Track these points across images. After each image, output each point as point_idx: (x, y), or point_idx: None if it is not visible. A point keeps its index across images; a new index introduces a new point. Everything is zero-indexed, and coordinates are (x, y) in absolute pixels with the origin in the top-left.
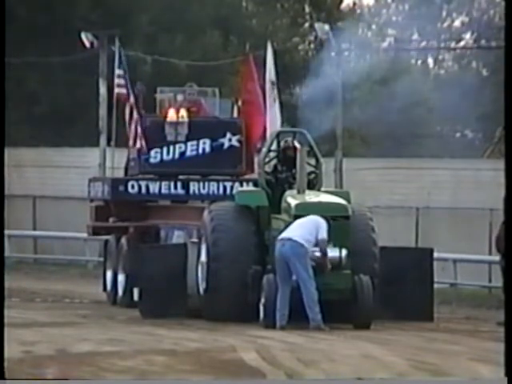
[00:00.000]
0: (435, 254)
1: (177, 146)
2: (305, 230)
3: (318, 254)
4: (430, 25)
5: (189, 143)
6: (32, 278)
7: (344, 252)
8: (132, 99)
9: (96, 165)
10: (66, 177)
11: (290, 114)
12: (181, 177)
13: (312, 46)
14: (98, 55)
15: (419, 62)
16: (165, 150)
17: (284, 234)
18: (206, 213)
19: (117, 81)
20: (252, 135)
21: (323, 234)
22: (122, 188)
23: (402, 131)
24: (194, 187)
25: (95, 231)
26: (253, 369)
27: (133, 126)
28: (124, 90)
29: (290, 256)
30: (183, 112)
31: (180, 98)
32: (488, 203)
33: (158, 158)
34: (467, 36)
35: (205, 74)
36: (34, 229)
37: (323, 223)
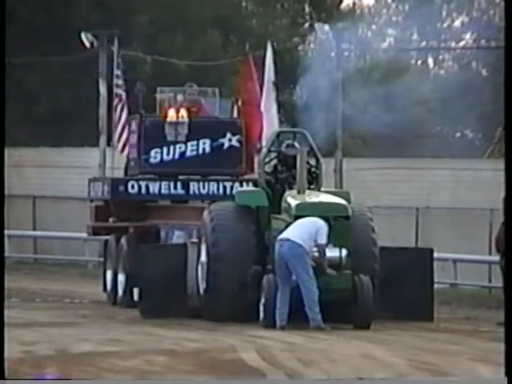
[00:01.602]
0: (435, 254)
1: (177, 146)
2: (304, 231)
3: (316, 254)
4: (430, 25)
5: (189, 143)
6: (32, 277)
7: (344, 252)
8: (125, 102)
9: (96, 165)
10: (66, 177)
11: (289, 114)
12: (181, 177)
13: (312, 45)
14: (97, 55)
15: (419, 62)
16: (165, 150)
17: (283, 235)
18: (205, 213)
19: (116, 81)
20: (252, 135)
21: (323, 239)
22: (122, 188)
23: (402, 131)
24: (193, 187)
25: (95, 231)
26: (253, 369)
27: (126, 129)
28: (121, 91)
29: (289, 257)
30: (183, 112)
31: (180, 98)
32: (488, 203)
33: (158, 158)
34: (467, 36)
35: (205, 74)
36: (34, 229)
37: (323, 226)
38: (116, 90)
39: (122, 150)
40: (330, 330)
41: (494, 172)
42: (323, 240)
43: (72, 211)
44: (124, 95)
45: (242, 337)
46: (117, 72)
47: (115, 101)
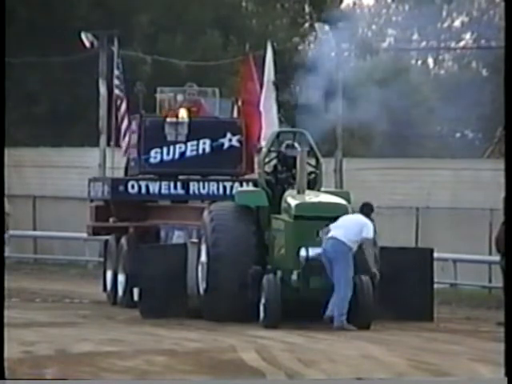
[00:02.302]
0: (435, 254)
1: (177, 146)
2: (349, 230)
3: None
4: (430, 25)
5: (189, 143)
6: (32, 277)
7: None
8: (125, 100)
9: (96, 165)
10: (66, 177)
11: (289, 114)
12: (181, 177)
13: (312, 45)
14: (98, 55)
15: (419, 62)
16: (165, 149)
17: (329, 234)
18: (205, 213)
19: (115, 82)
20: (252, 135)
21: (368, 233)
22: (122, 188)
23: (402, 131)
24: (193, 187)
25: (95, 231)
26: (253, 369)
27: (125, 127)
28: (117, 91)
29: (333, 254)
30: (183, 112)
31: (180, 98)
32: (488, 203)
33: (158, 158)
34: (467, 36)
35: (205, 74)
36: (34, 229)
37: (369, 224)
38: (115, 91)
39: (126, 152)
40: (355, 330)
41: (493, 172)
42: (369, 234)
43: (72, 211)
44: (124, 96)
45: (242, 337)
46: (116, 73)
47: (117, 102)
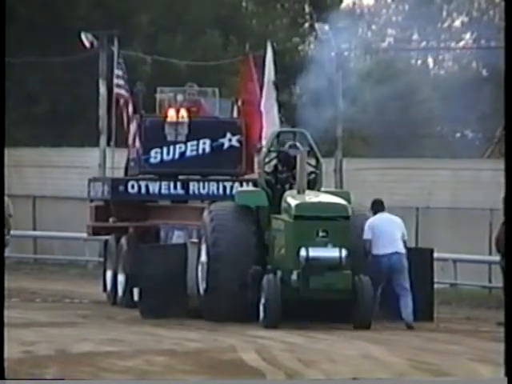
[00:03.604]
0: (435, 254)
1: (177, 146)
2: (400, 239)
3: None
4: (430, 25)
5: (189, 143)
6: (32, 277)
7: (344, 252)
8: (130, 100)
9: (96, 165)
10: (66, 177)
11: (289, 114)
12: (181, 177)
13: (312, 45)
14: (98, 55)
15: (419, 62)
16: (165, 149)
17: (387, 249)
18: (205, 213)
19: (116, 81)
20: (252, 135)
21: (405, 235)
22: (122, 188)
23: (402, 131)
24: (193, 187)
25: (95, 231)
26: (253, 369)
27: (133, 127)
28: (123, 91)
29: (401, 268)
30: (183, 112)
31: (180, 98)
32: (488, 203)
33: (158, 158)
34: (467, 36)
35: (205, 74)
36: (34, 229)
37: (402, 223)
38: (118, 91)
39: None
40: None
41: (493, 172)
42: (406, 236)
43: (72, 211)
44: (127, 95)
45: (242, 337)
46: (118, 72)
47: (121, 102)
